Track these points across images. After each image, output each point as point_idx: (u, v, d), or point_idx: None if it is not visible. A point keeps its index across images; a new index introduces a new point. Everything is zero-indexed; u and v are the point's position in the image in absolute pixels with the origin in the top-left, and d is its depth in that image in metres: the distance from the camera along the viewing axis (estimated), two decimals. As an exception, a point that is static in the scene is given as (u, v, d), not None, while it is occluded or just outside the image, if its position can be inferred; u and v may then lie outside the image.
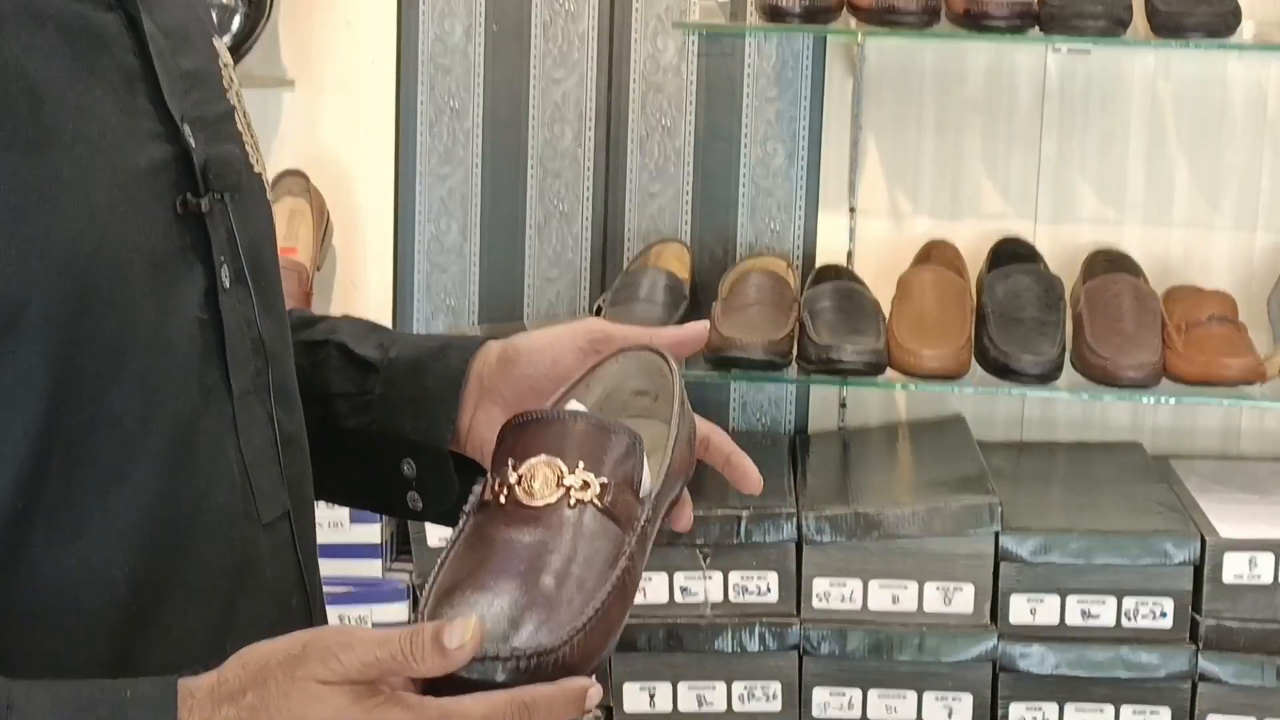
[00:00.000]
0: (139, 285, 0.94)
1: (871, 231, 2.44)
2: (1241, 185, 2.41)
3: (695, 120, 2.44)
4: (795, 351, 2.19)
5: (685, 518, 1.11)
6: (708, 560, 2.13)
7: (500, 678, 0.90)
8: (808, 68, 2.41)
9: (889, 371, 2.18)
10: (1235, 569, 2.09)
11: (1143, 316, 2.20)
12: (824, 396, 2.48)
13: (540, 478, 0.99)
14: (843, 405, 2.47)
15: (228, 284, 1.01)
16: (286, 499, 1.05)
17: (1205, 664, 2.09)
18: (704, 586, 2.13)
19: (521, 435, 1.02)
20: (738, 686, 2.14)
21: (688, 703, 2.15)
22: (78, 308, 0.91)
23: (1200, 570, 2.09)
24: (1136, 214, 2.42)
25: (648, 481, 1.04)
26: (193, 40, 1.04)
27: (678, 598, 2.13)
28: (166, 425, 0.96)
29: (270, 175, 2.60)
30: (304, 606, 1.08)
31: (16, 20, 0.91)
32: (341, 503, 1.26)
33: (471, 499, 1.01)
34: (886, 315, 2.25)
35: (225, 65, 1.08)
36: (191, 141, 0.99)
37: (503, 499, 0.99)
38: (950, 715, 2.12)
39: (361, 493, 1.22)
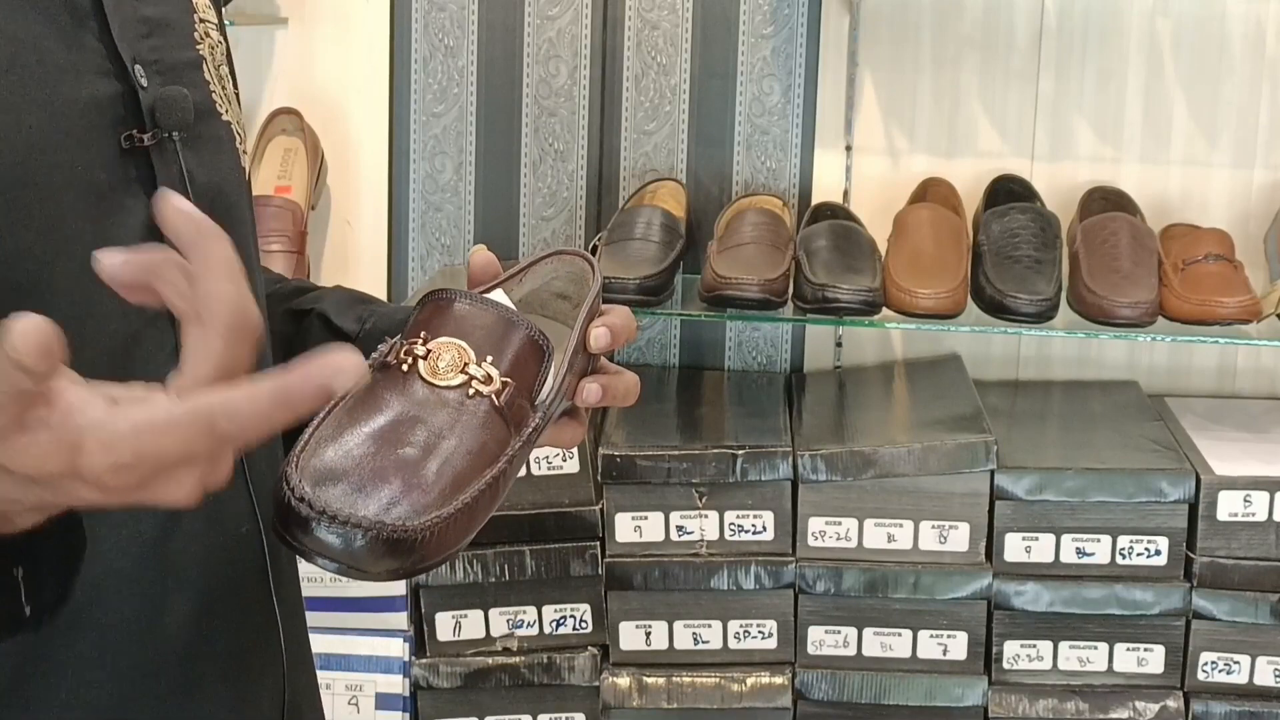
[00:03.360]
0: (74, 211, 0.97)
1: (868, 170, 2.43)
2: (1239, 123, 2.40)
3: (691, 58, 2.42)
4: (791, 290, 2.19)
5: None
6: (703, 499, 2.13)
7: (355, 543, 0.90)
8: (804, 4, 2.40)
9: (885, 310, 2.17)
10: (1230, 507, 2.10)
11: (1139, 255, 2.20)
12: (820, 335, 2.48)
13: (447, 359, 1.00)
14: (838, 344, 2.47)
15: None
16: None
17: (1199, 601, 2.10)
18: (699, 525, 2.13)
19: (440, 311, 1.03)
20: (733, 625, 2.15)
21: (683, 641, 2.15)
22: (11, 221, 0.93)
23: (1195, 508, 2.10)
24: (1134, 152, 2.42)
25: (547, 389, 1.04)
26: None
27: (673, 536, 2.14)
28: (99, 348, 0.97)
29: (264, 113, 2.59)
30: (254, 536, 1.09)
31: None
32: None
33: (375, 355, 1.01)
34: (883, 254, 2.25)
35: (202, 20, 1.10)
36: (143, 82, 1.02)
37: (404, 367, 1.00)
38: (945, 653, 2.13)
39: None
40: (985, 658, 2.14)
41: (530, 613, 2.16)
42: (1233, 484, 2.10)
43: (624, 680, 2.15)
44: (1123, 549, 2.11)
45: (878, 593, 2.12)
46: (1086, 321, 2.16)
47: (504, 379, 1.01)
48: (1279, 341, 2.19)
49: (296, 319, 1.22)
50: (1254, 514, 2.10)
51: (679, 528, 2.14)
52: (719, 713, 2.15)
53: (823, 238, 2.23)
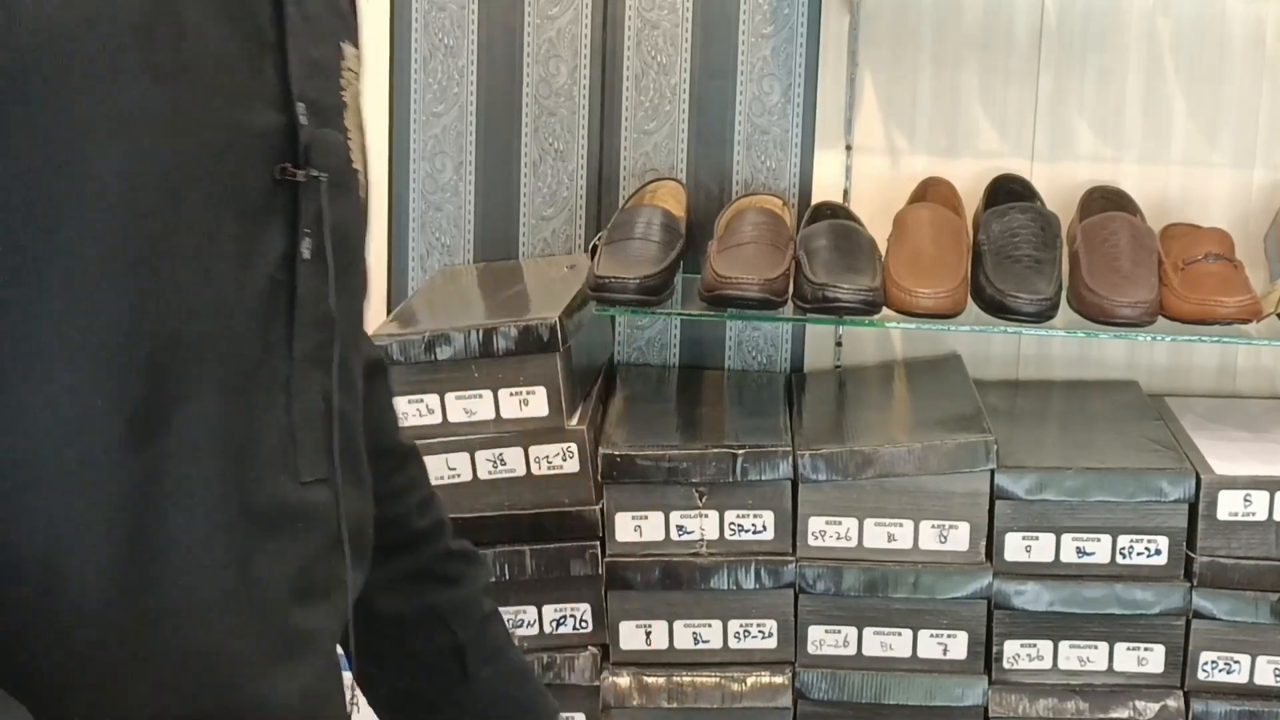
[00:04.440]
0: (227, 227, 1.01)
1: (868, 169, 2.43)
2: (1239, 122, 2.40)
3: (691, 57, 2.42)
4: (791, 290, 2.19)
5: None
6: (703, 499, 2.13)
7: None
8: (804, 4, 2.40)
9: (885, 310, 2.17)
10: (1230, 506, 2.10)
11: (1139, 254, 2.20)
12: (820, 335, 2.48)
13: None
14: (838, 344, 2.47)
15: (307, 255, 1.07)
16: (326, 466, 1.10)
17: (1199, 601, 2.10)
18: (700, 525, 2.13)
19: None
20: (733, 625, 2.15)
21: (683, 640, 2.15)
22: (169, 226, 0.97)
23: (1195, 508, 2.10)
24: (1134, 151, 2.42)
25: None
26: (324, 33, 1.12)
27: (673, 536, 2.14)
28: (231, 363, 1.02)
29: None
30: (339, 569, 1.12)
31: None
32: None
33: None
34: (883, 253, 2.25)
35: (348, 68, 1.15)
36: (303, 119, 1.07)
37: None
38: (945, 653, 2.13)
39: None
40: (985, 657, 2.14)
41: (530, 612, 2.16)
42: (1233, 483, 2.10)
43: (624, 680, 2.15)
44: (1123, 548, 2.11)
45: (878, 592, 2.12)
46: (1086, 321, 2.16)
47: None
48: (1279, 341, 2.19)
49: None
50: (1254, 513, 2.10)
51: (679, 527, 2.14)
52: (719, 712, 2.15)
53: (823, 237, 2.23)
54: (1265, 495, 2.10)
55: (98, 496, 0.97)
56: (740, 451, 2.11)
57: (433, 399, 2.14)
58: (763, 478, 2.12)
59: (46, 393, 0.95)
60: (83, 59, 0.94)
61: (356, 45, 1.18)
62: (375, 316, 2.31)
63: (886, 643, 2.14)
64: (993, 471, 2.11)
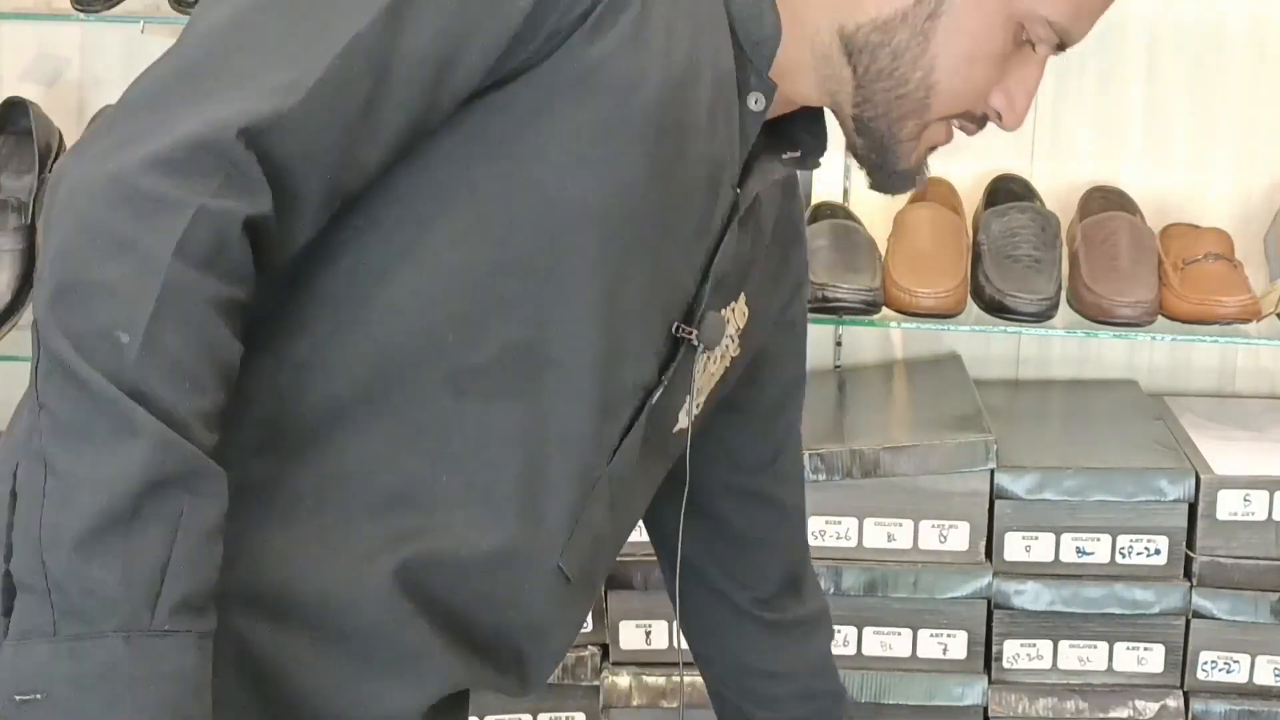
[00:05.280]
0: (626, 348, 1.15)
1: (868, 169, 2.43)
2: (1239, 123, 2.40)
3: (691, 57, 2.42)
4: (791, 290, 2.19)
5: None
6: (703, 498, 2.13)
7: None
8: (804, 4, 2.39)
9: (885, 310, 2.17)
10: (1229, 506, 2.10)
11: (1139, 254, 2.20)
12: (820, 335, 2.48)
13: None
14: (838, 344, 2.47)
15: (656, 400, 1.19)
16: (576, 570, 1.18)
17: (1199, 600, 2.10)
18: (700, 524, 2.13)
19: None
20: (733, 624, 2.14)
21: (684, 641, 2.15)
22: (602, 351, 1.14)
23: (1195, 507, 2.10)
24: (1134, 151, 2.42)
25: None
26: (740, 269, 1.25)
27: (673, 536, 2.13)
28: (569, 442, 1.14)
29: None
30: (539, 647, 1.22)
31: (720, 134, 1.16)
32: None
33: None
34: (883, 253, 2.25)
35: (734, 311, 1.27)
36: (707, 295, 1.19)
37: None
38: (945, 652, 2.13)
39: None
40: (985, 657, 2.14)
41: (530, 612, 2.16)
42: (1232, 483, 2.10)
43: (624, 680, 2.15)
44: (1122, 548, 2.11)
45: (877, 592, 2.12)
46: (1086, 321, 2.16)
47: None
48: (1278, 341, 2.19)
49: None
50: (1253, 513, 2.10)
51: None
52: (719, 712, 2.15)
53: (823, 237, 2.23)
54: (1265, 495, 2.10)
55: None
56: (740, 451, 2.11)
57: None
58: (763, 477, 2.11)
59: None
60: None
61: (746, 308, 1.29)
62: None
63: (886, 642, 2.14)
64: (992, 471, 2.11)
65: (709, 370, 1.25)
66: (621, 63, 1.08)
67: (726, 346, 1.27)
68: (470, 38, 1.04)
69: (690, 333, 1.19)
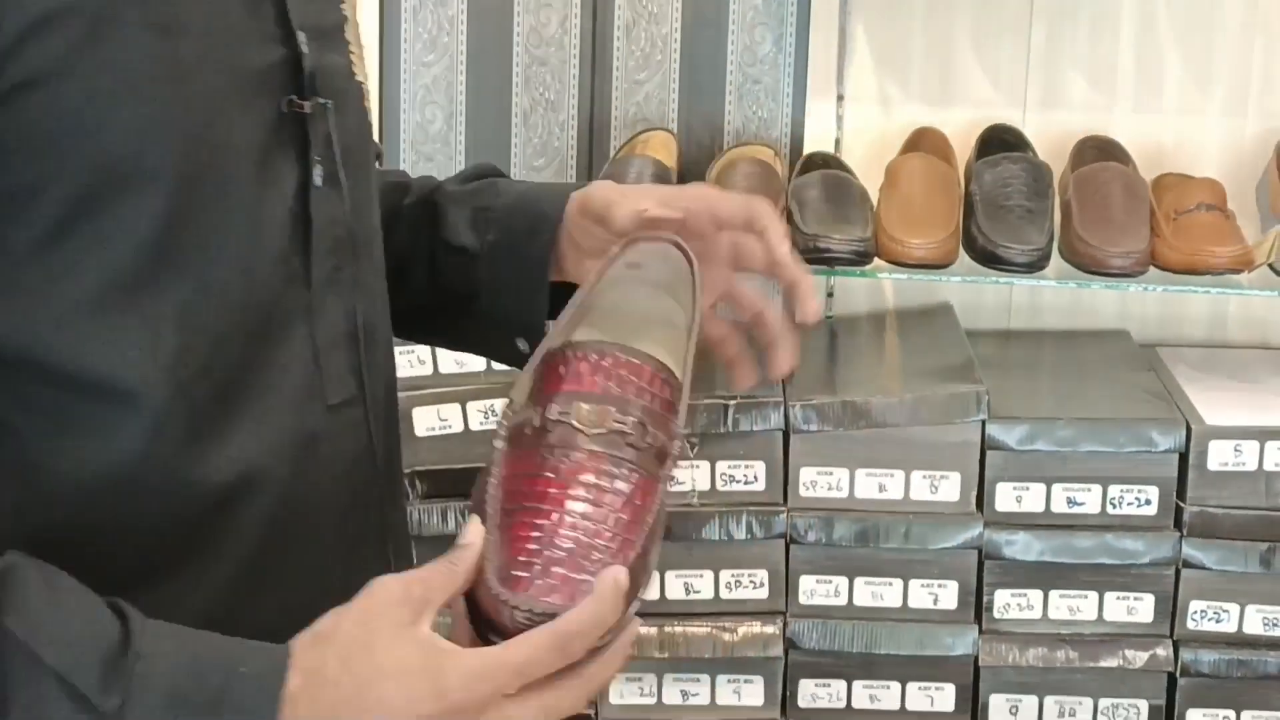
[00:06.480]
0: (243, 173, 1.03)
1: (860, 119, 2.42)
2: (1232, 72, 2.39)
3: (682, 6, 2.41)
4: (783, 240, 2.18)
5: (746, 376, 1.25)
6: (695, 449, 2.13)
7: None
8: (796, -47, 2.38)
9: (876, 261, 2.17)
10: (1220, 456, 2.10)
11: (1131, 204, 2.20)
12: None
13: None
14: (830, 294, 2.47)
15: (319, 182, 1.09)
16: (354, 385, 1.13)
17: (1189, 551, 2.11)
18: (691, 475, 2.13)
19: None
20: (725, 575, 2.15)
21: (675, 591, 2.16)
22: (187, 185, 0.99)
23: (1185, 458, 2.10)
24: (1126, 101, 2.41)
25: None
26: None
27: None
28: (255, 306, 1.05)
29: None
30: (371, 486, 1.15)
31: None
32: (449, 348, 1.47)
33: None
34: (874, 204, 2.24)
35: None
36: (305, 49, 1.08)
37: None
38: (935, 602, 2.14)
39: (469, 345, 1.42)
40: (976, 607, 2.14)
41: (522, 563, 2.16)
42: (1223, 434, 2.10)
43: (616, 630, 2.15)
44: (1113, 498, 2.12)
45: (869, 542, 2.13)
46: (1078, 271, 2.16)
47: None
48: (1271, 291, 2.19)
49: (413, 234, 1.32)
50: (1244, 464, 2.10)
51: (670, 478, 2.13)
52: (710, 662, 2.15)
53: (814, 188, 2.22)
54: (1255, 445, 2.10)
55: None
56: (731, 402, 2.11)
57: (424, 350, 2.14)
58: (754, 428, 2.12)
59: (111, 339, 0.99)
60: (83, 21, 0.95)
61: None
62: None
63: (877, 592, 2.14)
64: (984, 422, 2.11)
65: None
66: None
67: None
68: None
69: (306, 104, 1.10)
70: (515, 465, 1.02)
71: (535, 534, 0.99)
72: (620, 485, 1.02)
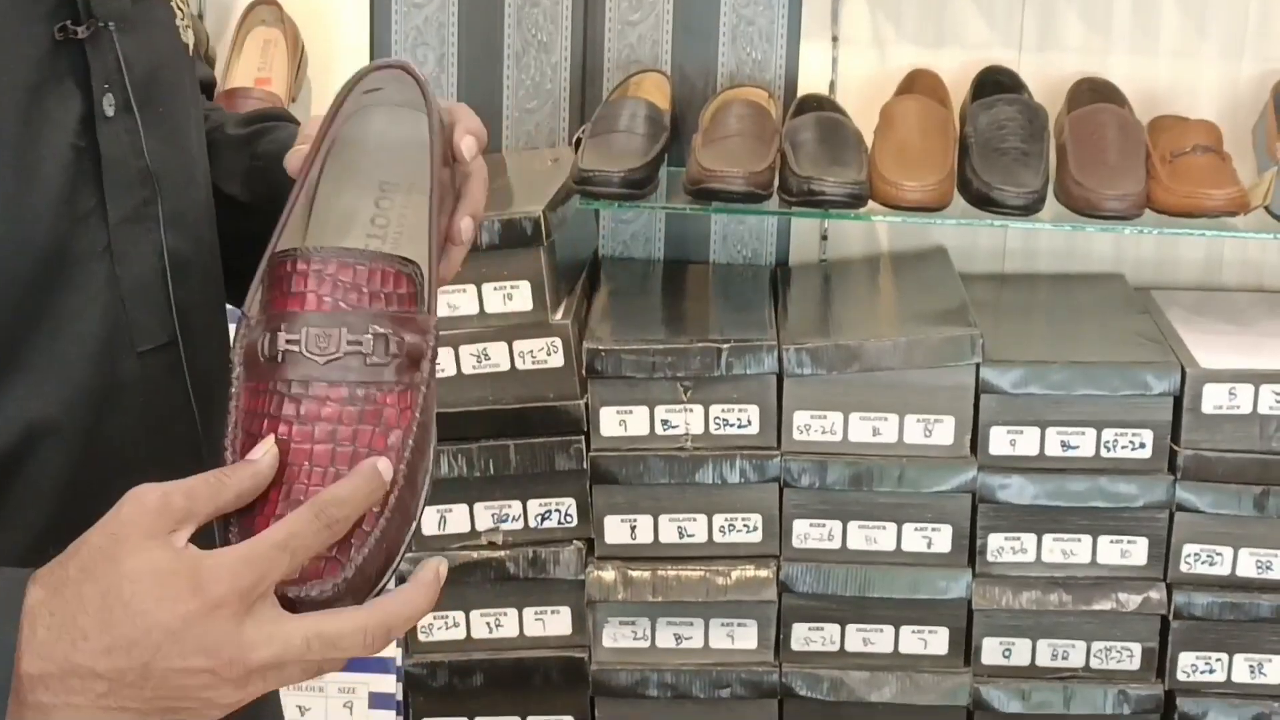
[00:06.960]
0: (7, 110, 0.95)
1: (854, 61, 2.41)
2: (1228, 14, 2.38)
3: (675, -53, 2.39)
4: (776, 183, 2.17)
5: (449, 269, 1.09)
6: (688, 393, 2.12)
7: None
8: (790, -108, 2.36)
9: (871, 203, 2.16)
10: (1215, 400, 2.10)
11: (1127, 147, 2.19)
12: (805, 228, 2.47)
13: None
14: (824, 237, 2.46)
15: (111, 113, 1.01)
16: (173, 327, 1.05)
17: (1183, 494, 2.11)
18: (684, 419, 2.13)
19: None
20: (718, 519, 2.15)
21: (668, 534, 2.16)
22: None
23: (1180, 401, 2.10)
24: (1122, 43, 2.39)
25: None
26: None
27: (658, 430, 2.13)
28: (34, 249, 0.96)
29: (243, 4, 2.55)
30: (191, 434, 1.08)
31: None
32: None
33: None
34: (869, 146, 2.23)
35: None
36: None
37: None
38: (930, 546, 2.14)
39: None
40: (969, 550, 2.15)
41: (515, 507, 2.16)
42: (1217, 377, 2.10)
43: (609, 574, 2.15)
44: (1107, 442, 2.12)
45: (862, 486, 2.12)
46: (1073, 214, 2.15)
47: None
48: (1266, 234, 2.18)
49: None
50: (1238, 407, 2.10)
51: (664, 422, 2.13)
52: (704, 606, 2.16)
53: (808, 130, 2.21)
54: (1249, 388, 2.10)
55: None
56: (725, 345, 2.11)
57: (416, 294, 2.13)
58: (748, 372, 2.11)
59: None
60: None
61: None
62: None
63: (871, 536, 2.14)
64: (978, 365, 2.11)
65: None
66: None
67: None
68: None
69: (79, 29, 1.01)
70: (254, 401, 0.94)
71: (282, 486, 0.91)
72: (368, 410, 0.93)
